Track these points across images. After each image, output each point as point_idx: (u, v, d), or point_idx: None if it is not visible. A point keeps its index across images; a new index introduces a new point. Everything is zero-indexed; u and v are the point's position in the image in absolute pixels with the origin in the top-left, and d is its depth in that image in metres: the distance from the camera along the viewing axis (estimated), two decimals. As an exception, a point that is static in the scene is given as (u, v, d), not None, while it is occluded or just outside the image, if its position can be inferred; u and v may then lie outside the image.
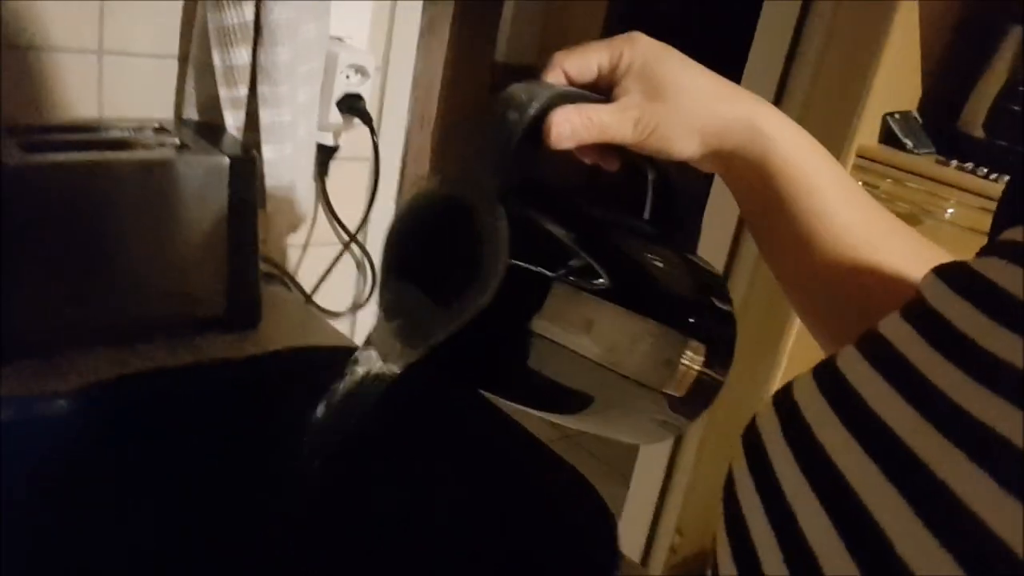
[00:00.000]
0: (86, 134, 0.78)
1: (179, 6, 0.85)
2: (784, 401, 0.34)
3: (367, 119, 0.97)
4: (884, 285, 0.44)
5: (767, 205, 0.47)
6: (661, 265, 0.52)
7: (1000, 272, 0.29)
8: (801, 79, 1.42)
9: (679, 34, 0.48)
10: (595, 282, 0.46)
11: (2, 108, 0.78)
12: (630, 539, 1.80)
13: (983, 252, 0.31)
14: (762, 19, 1.49)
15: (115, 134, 0.80)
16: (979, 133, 1.38)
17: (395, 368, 0.49)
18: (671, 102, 0.45)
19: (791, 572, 0.29)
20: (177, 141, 0.81)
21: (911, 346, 0.30)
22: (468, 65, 2.52)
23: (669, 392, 0.48)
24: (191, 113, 0.88)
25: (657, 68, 0.46)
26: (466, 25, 2.49)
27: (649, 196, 0.52)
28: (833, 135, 1.35)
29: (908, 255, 0.45)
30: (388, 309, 0.47)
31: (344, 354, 0.82)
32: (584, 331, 0.46)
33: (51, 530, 0.67)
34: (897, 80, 1.39)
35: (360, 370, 0.50)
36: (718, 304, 0.51)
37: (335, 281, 1.11)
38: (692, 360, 0.47)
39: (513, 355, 0.47)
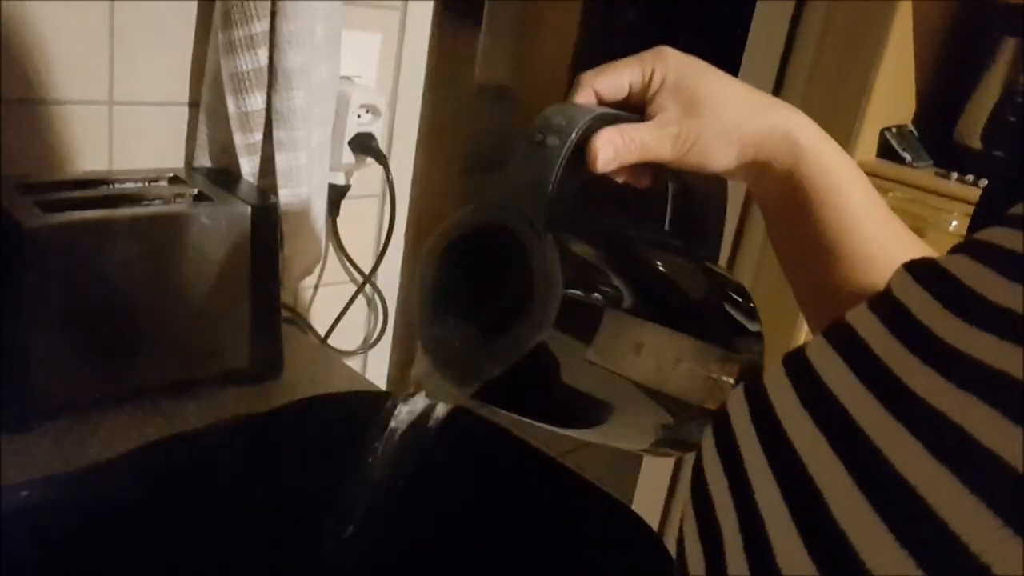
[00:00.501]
0: (101, 189, 0.76)
1: (189, 53, 0.84)
2: (754, 385, 0.36)
3: (381, 158, 0.96)
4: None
5: (794, 214, 0.47)
6: (694, 282, 0.52)
7: (962, 267, 0.30)
8: (793, 97, 1.42)
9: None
10: (638, 305, 0.45)
11: (15, 163, 0.76)
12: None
13: (954, 250, 0.32)
14: (751, 38, 1.49)
15: (130, 187, 0.78)
16: (976, 144, 1.39)
17: (446, 407, 0.48)
18: (708, 116, 0.45)
19: (744, 541, 0.31)
20: (194, 191, 0.79)
21: (873, 333, 0.31)
22: (449, 88, 2.52)
23: (707, 407, 0.48)
24: (203, 160, 0.87)
25: (691, 82, 0.45)
26: (446, 47, 2.49)
27: (669, 206, 0.52)
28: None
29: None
30: (431, 346, 0.45)
31: (368, 399, 0.81)
32: (630, 354, 0.45)
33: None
34: (892, 94, 1.40)
35: (410, 412, 0.49)
36: (746, 316, 0.51)
37: (346, 319, 1.10)
38: (729, 373, 0.48)
39: (552, 379, 0.45)
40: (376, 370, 1.16)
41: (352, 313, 1.10)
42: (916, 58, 1.39)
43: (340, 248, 1.05)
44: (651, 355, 0.46)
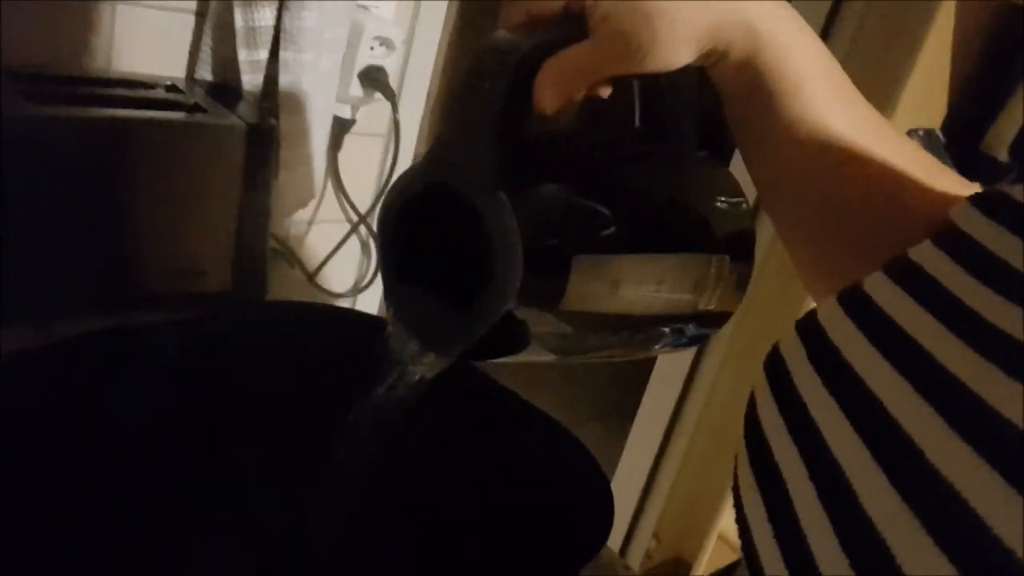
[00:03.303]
0: (95, 88, 0.73)
1: (201, -42, 0.80)
2: (808, 327, 0.35)
3: (390, 94, 0.92)
4: (863, 193, 0.42)
5: (752, 106, 0.43)
6: (672, 190, 0.47)
7: None
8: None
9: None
10: (610, 239, 0.42)
11: (12, 52, 0.73)
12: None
13: (1015, 181, 0.31)
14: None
15: (125, 90, 0.74)
16: (1003, 157, 1.35)
17: (427, 374, 0.45)
18: (657, 19, 0.39)
19: (817, 488, 0.29)
20: (190, 102, 0.75)
21: (943, 270, 0.31)
22: (474, 40, 2.46)
23: (697, 313, 0.45)
24: (205, 73, 0.83)
25: None
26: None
27: (637, 102, 0.48)
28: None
29: (894, 162, 0.42)
30: (401, 315, 0.43)
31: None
32: (606, 294, 0.42)
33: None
34: (924, 96, 1.36)
35: (394, 375, 0.46)
36: (730, 203, 0.47)
37: (337, 260, 1.06)
38: (719, 274, 0.44)
39: (527, 328, 0.41)
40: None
41: (344, 255, 1.07)
42: (953, 63, 1.34)
43: (339, 185, 1.02)
44: (630, 288, 0.43)
